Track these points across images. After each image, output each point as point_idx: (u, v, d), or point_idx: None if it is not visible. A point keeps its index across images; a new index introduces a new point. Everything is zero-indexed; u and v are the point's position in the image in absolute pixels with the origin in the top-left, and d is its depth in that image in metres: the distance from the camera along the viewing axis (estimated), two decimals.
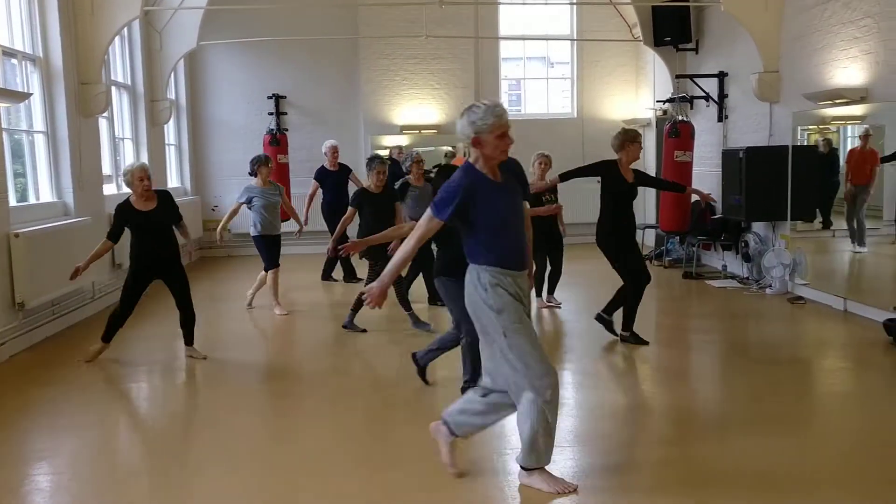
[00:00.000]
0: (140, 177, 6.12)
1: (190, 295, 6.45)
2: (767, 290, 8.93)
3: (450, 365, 5.68)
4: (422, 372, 5.61)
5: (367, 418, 5.12)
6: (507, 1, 13.20)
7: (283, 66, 12.85)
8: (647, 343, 6.63)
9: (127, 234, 6.31)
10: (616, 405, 5.34)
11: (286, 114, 12.88)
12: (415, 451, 4.34)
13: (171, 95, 11.94)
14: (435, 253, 5.46)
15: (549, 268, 8.22)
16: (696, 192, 7.73)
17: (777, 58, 9.12)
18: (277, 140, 11.51)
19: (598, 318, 6.90)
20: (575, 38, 13.39)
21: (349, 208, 7.27)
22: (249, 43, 11.99)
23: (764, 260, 9.02)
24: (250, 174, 8.27)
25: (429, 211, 3.76)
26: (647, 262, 11.03)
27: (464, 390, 4.95)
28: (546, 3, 13.01)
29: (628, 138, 6.57)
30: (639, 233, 11.94)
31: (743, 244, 9.70)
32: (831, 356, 6.69)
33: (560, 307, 8.27)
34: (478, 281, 3.78)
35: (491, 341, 3.82)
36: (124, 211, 6.20)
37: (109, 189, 9.41)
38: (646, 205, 12.99)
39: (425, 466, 4.12)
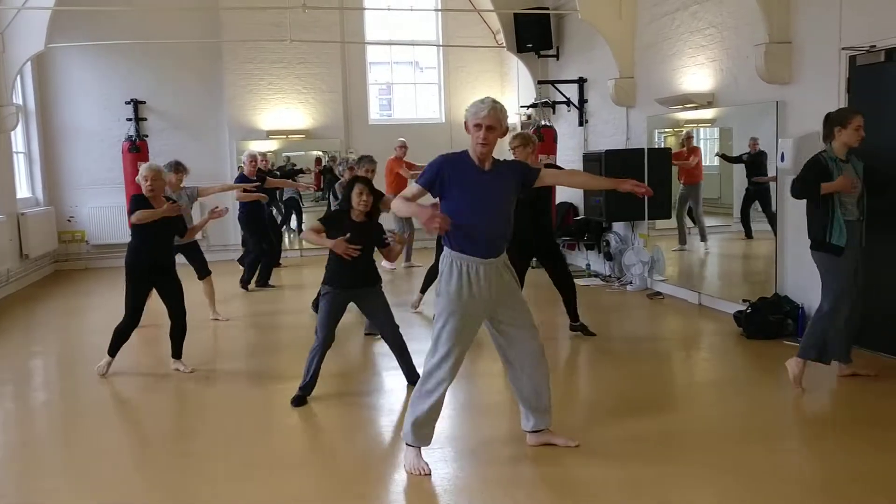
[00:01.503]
0: (145, 176, 5.96)
1: (183, 304, 6.14)
2: (628, 287, 9.33)
3: None
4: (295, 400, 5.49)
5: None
6: (372, 6, 13.20)
7: (142, 70, 12.33)
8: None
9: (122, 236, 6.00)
10: (483, 402, 5.44)
11: (146, 119, 12.36)
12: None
13: (18, 100, 11.24)
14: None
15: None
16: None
17: (632, 64, 9.55)
18: (137, 147, 11.03)
19: (571, 328, 7.07)
20: (440, 43, 13.55)
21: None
22: (105, 46, 11.44)
23: (624, 258, 9.42)
24: None
25: (412, 183, 4.16)
26: None
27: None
28: (412, 10, 13.10)
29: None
30: None
31: (605, 243, 10.09)
32: (689, 347, 7.05)
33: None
34: (442, 260, 4.07)
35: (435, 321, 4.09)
36: (140, 200, 5.98)
37: None
38: None
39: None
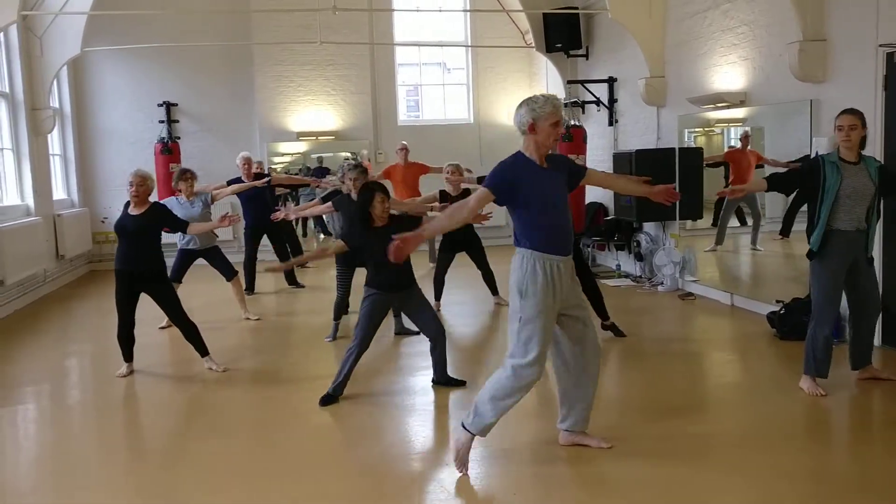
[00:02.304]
0: (130, 181, 6.05)
1: (180, 309, 6.20)
2: (659, 288, 9.26)
3: None
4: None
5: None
6: (400, 8, 13.24)
7: (174, 73, 12.50)
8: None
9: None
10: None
11: (178, 122, 12.51)
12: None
13: (55, 104, 11.44)
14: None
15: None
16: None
17: (662, 63, 9.49)
18: (169, 149, 11.17)
19: (603, 327, 7.01)
20: (469, 44, 13.56)
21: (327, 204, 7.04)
22: (138, 49, 11.59)
23: (655, 258, 9.35)
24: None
25: (481, 188, 4.02)
26: None
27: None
28: (440, 10, 13.12)
29: None
30: None
31: (635, 244, 10.02)
32: (720, 348, 6.98)
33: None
34: (521, 262, 4.02)
35: (512, 321, 4.07)
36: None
37: None
38: None
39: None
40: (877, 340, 6.25)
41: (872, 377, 5.45)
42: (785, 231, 7.87)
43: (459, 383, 5.65)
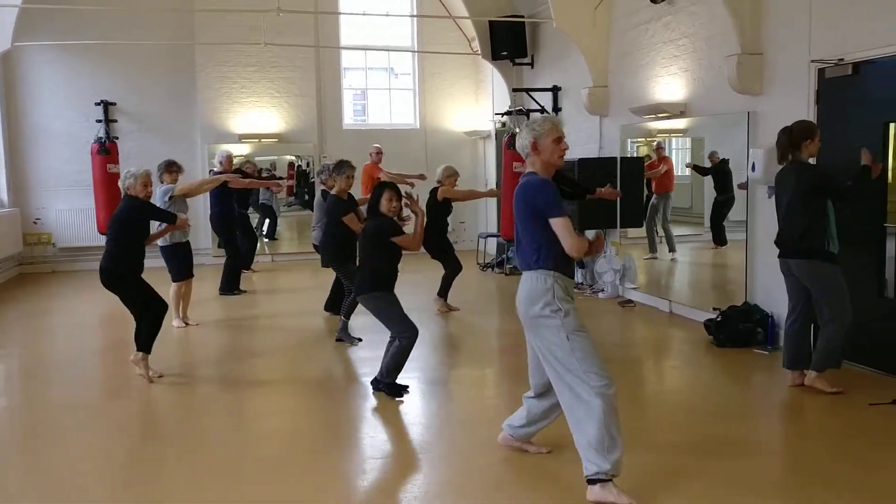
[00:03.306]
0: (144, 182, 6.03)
1: (134, 309, 6.00)
2: (600, 295, 9.36)
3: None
4: (395, 389, 5.52)
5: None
6: (347, 11, 13.16)
7: (113, 71, 12.19)
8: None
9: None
10: (457, 413, 5.42)
11: (116, 121, 12.18)
12: None
13: None
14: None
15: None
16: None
17: (605, 73, 9.61)
18: (107, 149, 10.89)
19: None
20: (416, 49, 13.55)
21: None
22: (74, 46, 11.28)
23: (596, 266, 9.46)
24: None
25: (558, 217, 3.79)
26: (489, 270, 11.46)
27: (373, 383, 5.59)
28: (387, 15, 13.09)
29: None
30: (480, 241, 12.33)
31: None
32: (658, 355, 7.07)
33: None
34: (544, 285, 3.85)
35: (551, 346, 3.85)
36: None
37: None
38: (488, 214, 13.32)
39: None
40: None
41: (802, 384, 5.58)
42: (718, 239, 8.07)
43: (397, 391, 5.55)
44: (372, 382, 5.61)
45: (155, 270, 7.11)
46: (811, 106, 6.25)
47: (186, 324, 7.93)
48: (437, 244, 8.40)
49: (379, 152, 10.59)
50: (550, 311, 3.83)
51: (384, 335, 5.68)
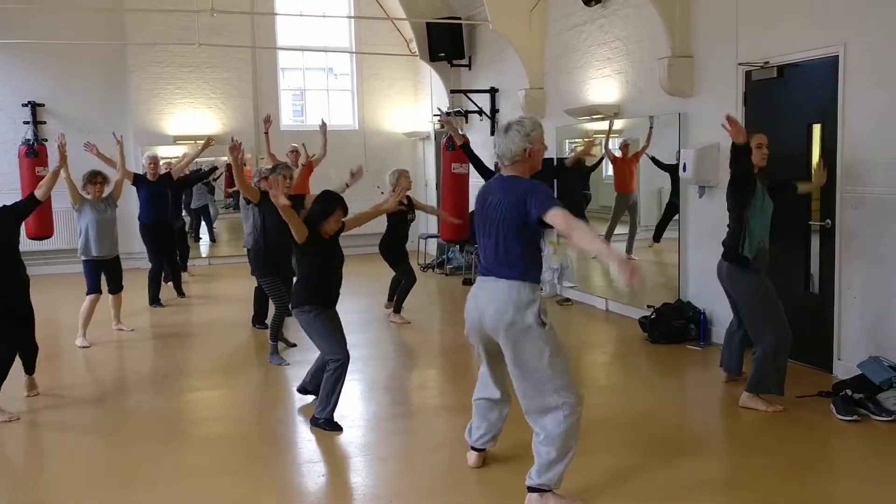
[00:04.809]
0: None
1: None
2: None
3: None
4: (332, 425, 4.95)
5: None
6: (283, 12, 13.04)
7: (42, 71, 11.83)
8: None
9: None
10: (400, 412, 5.43)
11: (45, 123, 11.85)
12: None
13: None
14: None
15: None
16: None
17: (542, 75, 9.73)
18: (35, 151, 10.56)
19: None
20: (354, 50, 13.50)
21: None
22: (1, 45, 10.92)
23: None
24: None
25: (556, 207, 3.54)
26: (430, 271, 11.49)
27: (312, 421, 4.99)
28: (324, 17, 13.01)
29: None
30: (421, 242, 12.35)
31: None
32: (596, 352, 7.20)
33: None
34: (530, 296, 3.67)
35: (529, 357, 3.70)
36: None
37: None
38: (427, 216, 13.33)
39: None
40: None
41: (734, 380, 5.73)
42: (657, 237, 8.20)
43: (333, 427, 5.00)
44: (311, 420, 5.02)
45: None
46: (739, 107, 6.44)
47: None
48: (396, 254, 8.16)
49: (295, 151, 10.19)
50: (537, 324, 3.66)
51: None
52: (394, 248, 8.16)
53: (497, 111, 11.06)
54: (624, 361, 6.71)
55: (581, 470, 4.02)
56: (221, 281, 11.02)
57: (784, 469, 4.21)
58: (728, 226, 5.29)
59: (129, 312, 8.20)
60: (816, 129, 5.91)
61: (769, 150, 5.21)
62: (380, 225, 7.88)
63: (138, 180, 9.12)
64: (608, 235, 9.02)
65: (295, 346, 7.01)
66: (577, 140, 9.56)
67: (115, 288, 7.63)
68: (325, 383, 4.93)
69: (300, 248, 5.00)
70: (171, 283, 9.77)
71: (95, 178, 7.36)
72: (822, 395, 5.24)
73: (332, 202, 4.98)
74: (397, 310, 8.18)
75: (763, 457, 4.38)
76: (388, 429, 5.05)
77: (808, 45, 5.81)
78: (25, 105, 11.67)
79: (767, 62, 6.16)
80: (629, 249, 8.85)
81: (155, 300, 9.17)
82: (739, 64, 6.39)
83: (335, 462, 4.56)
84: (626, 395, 5.71)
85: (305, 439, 4.90)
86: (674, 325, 6.95)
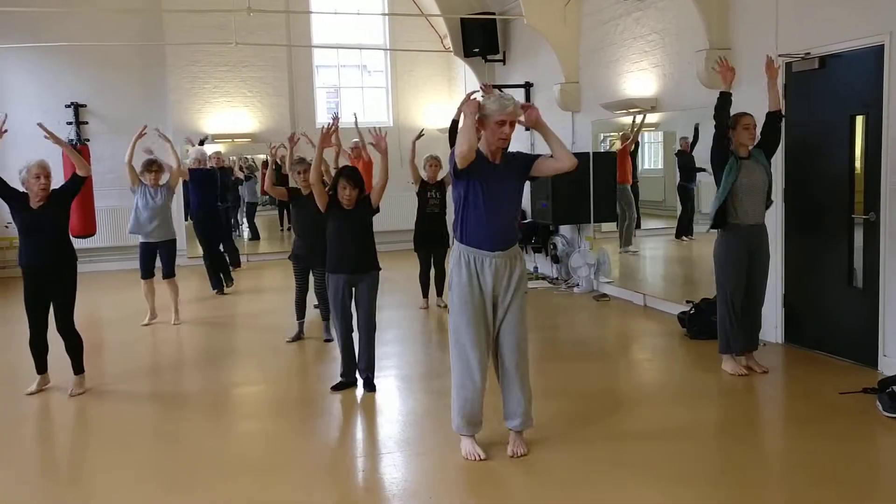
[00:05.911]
0: (37, 174, 5.75)
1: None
2: (575, 290, 9.42)
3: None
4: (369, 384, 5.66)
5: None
6: (318, 10, 13.13)
7: (83, 73, 12.05)
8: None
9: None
10: (420, 410, 5.44)
11: (87, 123, 12.08)
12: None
13: None
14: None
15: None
16: None
17: (577, 69, 9.67)
18: (78, 151, 10.71)
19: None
20: (388, 48, 13.54)
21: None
22: (43, 48, 11.14)
23: (571, 261, 9.52)
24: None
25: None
26: None
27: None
28: (358, 14, 13.07)
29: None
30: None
31: (551, 246, 10.18)
32: (633, 348, 7.15)
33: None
34: (456, 256, 4.17)
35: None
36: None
37: None
38: None
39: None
40: (779, 338, 6.54)
41: (748, 367, 5.78)
42: (684, 231, 8.19)
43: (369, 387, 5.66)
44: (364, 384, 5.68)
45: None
46: (780, 100, 6.32)
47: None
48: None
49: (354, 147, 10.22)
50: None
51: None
52: (422, 232, 8.39)
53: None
54: (663, 358, 6.63)
55: (626, 464, 3.98)
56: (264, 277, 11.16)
57: (828, 466, 4.15)
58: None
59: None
60: (859, 121, 5.79)
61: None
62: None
63: (193, 174, 9.74)
64: (623, 229, 9.12)
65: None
66: (612, 134, 9.50)
67: (166, 273, 8.09)
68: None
69: (322, 217, 5.60)
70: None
71: (151, 165, 8.12)
72: (867, 392, 5.16)
73: (337, 174, 5.63)
74: (440, 293, 8.42)
75: (802, 454, 4.32)
76: (427, 425, 5.06)
77: (851, 34, 5.70)
78: (68, 106, 11.90)
79: (808, 53, 6.06)
80: (628, 241, 8.93)
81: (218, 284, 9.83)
82: (780, 55, 6.29)
83: (374, 457, 4.59)
84: (665, 391, 5.65)
85: (346, 434, 4.93)
86: (713, 320, 6.85)
